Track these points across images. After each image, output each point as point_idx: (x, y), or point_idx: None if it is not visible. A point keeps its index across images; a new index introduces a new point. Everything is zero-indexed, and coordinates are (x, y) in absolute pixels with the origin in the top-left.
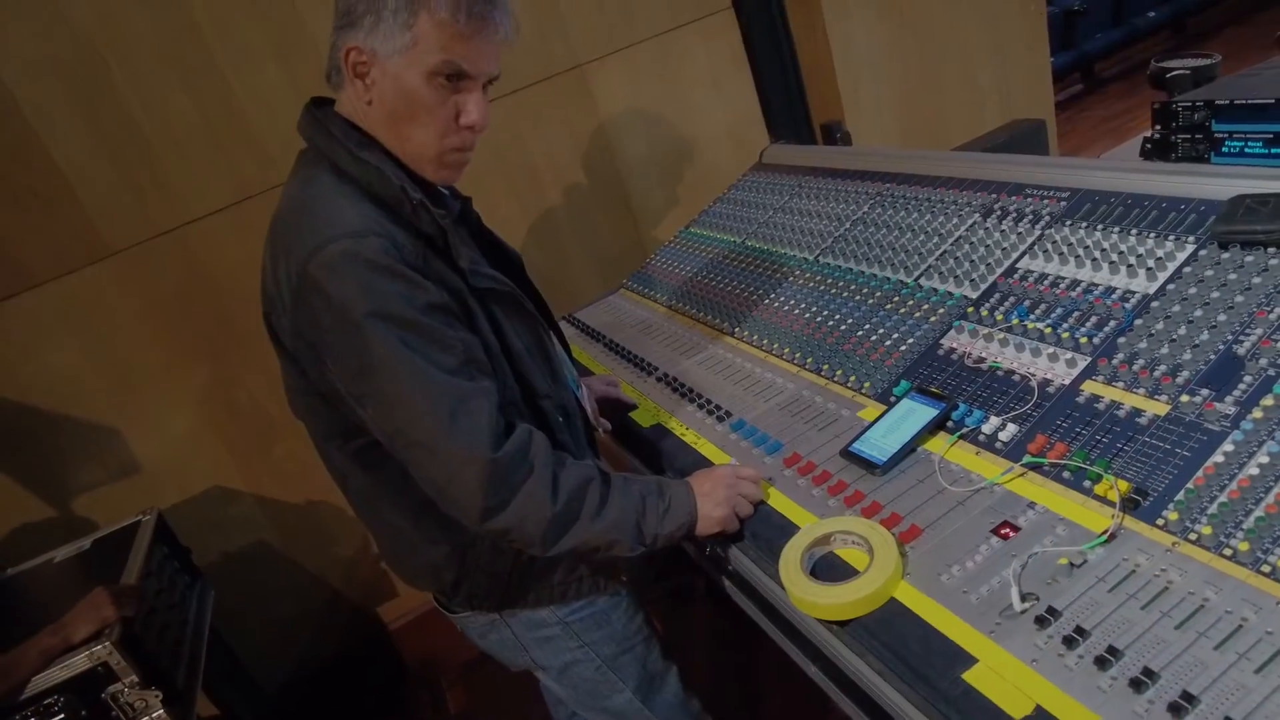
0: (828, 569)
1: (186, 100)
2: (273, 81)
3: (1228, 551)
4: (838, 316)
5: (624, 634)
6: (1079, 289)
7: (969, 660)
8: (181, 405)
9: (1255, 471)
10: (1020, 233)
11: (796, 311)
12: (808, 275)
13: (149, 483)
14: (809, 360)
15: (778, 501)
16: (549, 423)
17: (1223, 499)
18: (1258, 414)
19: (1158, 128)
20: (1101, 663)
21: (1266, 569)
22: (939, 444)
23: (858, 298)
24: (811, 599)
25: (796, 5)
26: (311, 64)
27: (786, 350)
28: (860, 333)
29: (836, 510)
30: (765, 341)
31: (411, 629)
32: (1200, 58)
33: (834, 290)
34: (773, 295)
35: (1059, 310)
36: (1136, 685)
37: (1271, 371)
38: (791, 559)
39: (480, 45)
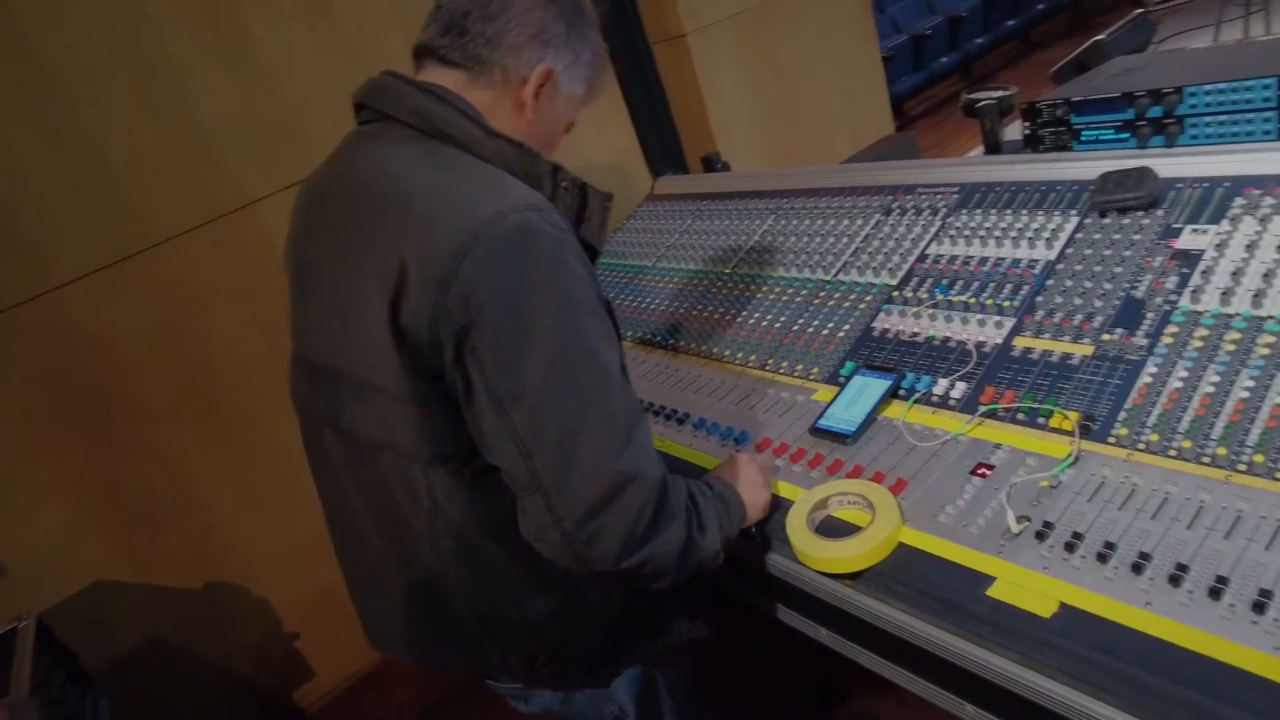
0: (831, 530)
1: (51, 156)
2: (147, 134)
3: (1173, 452)
4: (769, 317)
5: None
6: (989, 264)
7: (988, 580)
8: (54, 493)
9: (1179, 385)
10: (923, 224)
11: (727, 318)
12: (729, 286)
13: (19, 586)
14: (751, 358)
15: None
16: None
17: (1159, 411)
18: (1167, 340)
19: (1026, 124)
20: (1102, 557)
21: (1207, 459)
22: (897, 410)
23: (784, 299)
24: (826, 555)
25: (665, 50)
26: (188, 114)
27: (726, 353)
28: (795, 328)
29: (820, 480)
30: (704, 348)
31: (333, 710)
32: (1000, 90)
33: (758, 295)
34: (699, 307)
35: (976, 283)
36: (1136, 569)
37: (1166, 306)
38: (798, 524)
39: None
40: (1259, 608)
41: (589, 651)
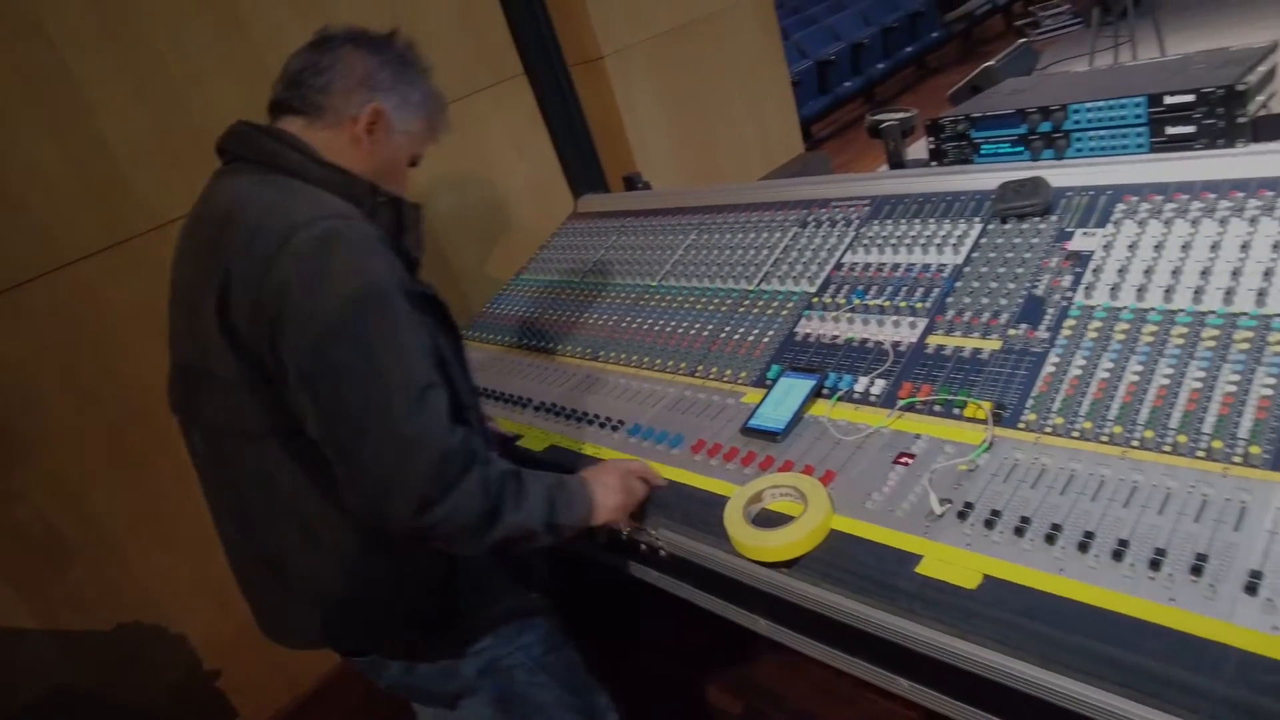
0: (766, 522)
1: None
2: (48, 154)
3: (1076, 433)
4: (696, 326)
5: (549, 633)
6: (901, 269)
7: (916, 559)
8: None
9: (1078, 372)
10: (838, 235)
11: (656, 328)
12: (656, 297)
13: None
14: (681, 366)
15: (700, 482)
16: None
17: (1062, 397)
18: (1066, 332)
19: (931, 139)
20: (1019, 531)
21: (1105, 438)
22: (822, 408)
23: (710, 308)
24: (764, 545)
25: (583, 73)
26: (93, 134)
27: (657, 362)
28: (722, 335)
29: (754, 476)
30: (634, 358)
31: None
32: (902, 111)
33: (685, 306)
34: (628, 319)
35: (890, 288)
36: (1049, 539)
37: (1064, 302)
38: (735, 518)
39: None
40: (1155, 565)
41: (425, 614)
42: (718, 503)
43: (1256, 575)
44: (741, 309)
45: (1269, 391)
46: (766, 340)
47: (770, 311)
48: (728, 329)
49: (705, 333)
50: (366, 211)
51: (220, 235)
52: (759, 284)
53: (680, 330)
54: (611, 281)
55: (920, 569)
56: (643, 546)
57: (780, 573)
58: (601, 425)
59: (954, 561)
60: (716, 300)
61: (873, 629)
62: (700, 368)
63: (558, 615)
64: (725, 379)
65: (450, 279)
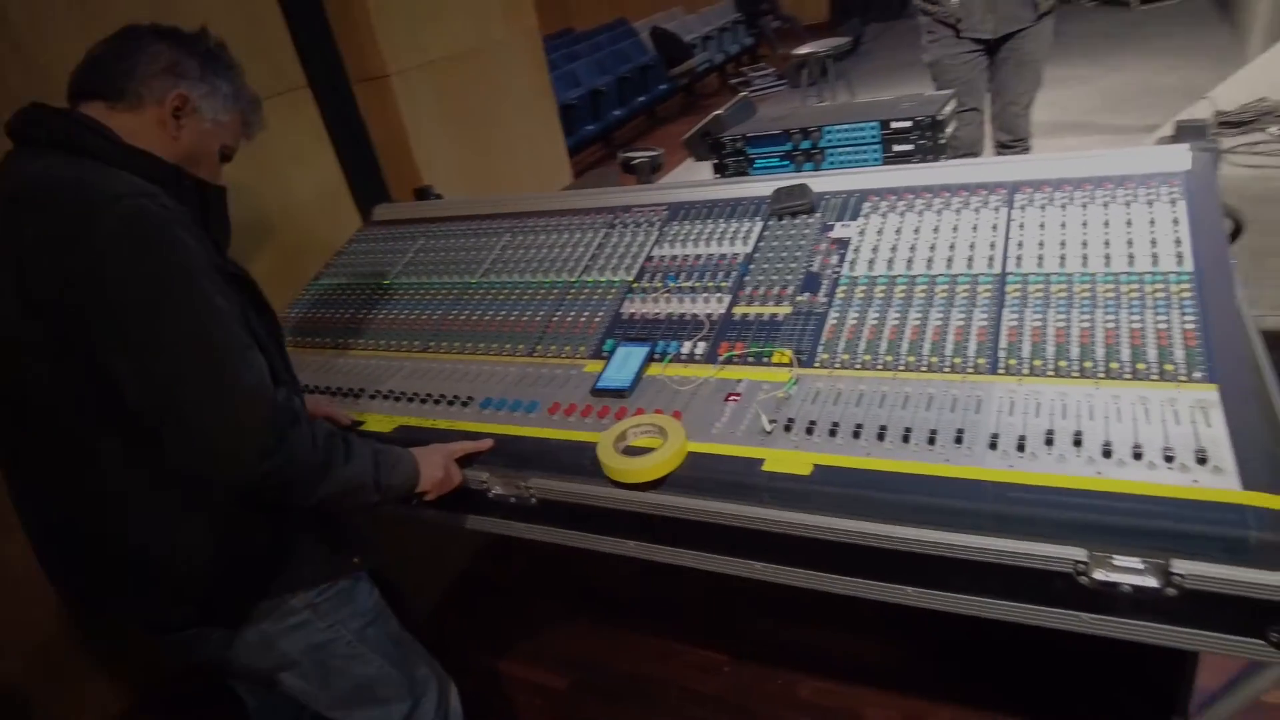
0: (633, 454)
1: None
2: None
3: (858, 365)
4: (527, 314)
5: (367, 607)
6: (703, 258)
7: (760, 461)
8: None
9: (853, 323)
10: (645, 233)
11: (486, 318)
12: (480, 292)
13: None
14: (519, 348)
15: (563, 435)
16: None
17: (844, 341)
18: (840, 296)
19: (714, 156)
20: (832, 433)
21: (880, 365)
22: (657, 369)
23: (537, 298)
24: (635, 468)
25: (369, 89)
26: None
27: (493, 347)
28: (554, 319)
29: (611, 426)
30: (468, 346)
31: None
32: (649, 151)
33: (512, 298)
34: (454, 312)
35: (697, 273)
36: (855, 434)
37: (834, 275)
38: (608, 451)
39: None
40: (930, 441)
41: (245, 575)
42: (583, 449)
43: (995, 437)
44: (569, 297)
45: (985, 324)
46: (598, 320)
47: (596, 297)
48: (559, 314)
49: (538, 318)
50: (172, 194)
51: (12, 216)
52: (580, 275)
53: (511, 318)
54: (427, 280)
55: (765, 468)
56: (512, 499)
57: (651, 493)
58: (450, 403)
59: (788, 459)
60: (542, 291)
61: (732, 521)
62: (539, 348)
63: (377, 589)
64: (564, 355)
65: None
